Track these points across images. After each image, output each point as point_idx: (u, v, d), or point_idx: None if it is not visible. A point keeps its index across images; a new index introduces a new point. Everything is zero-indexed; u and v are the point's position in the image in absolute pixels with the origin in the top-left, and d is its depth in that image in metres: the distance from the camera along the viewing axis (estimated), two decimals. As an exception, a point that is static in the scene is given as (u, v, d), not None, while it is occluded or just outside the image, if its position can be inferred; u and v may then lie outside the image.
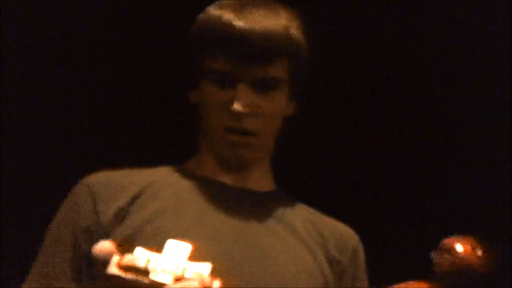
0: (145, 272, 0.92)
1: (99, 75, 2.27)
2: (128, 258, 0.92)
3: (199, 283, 0.90)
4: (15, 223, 2.18)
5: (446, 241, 1.00)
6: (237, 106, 1.26)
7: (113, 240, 1.01)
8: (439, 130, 2.42)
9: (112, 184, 1.31)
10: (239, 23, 1.25)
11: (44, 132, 2.24)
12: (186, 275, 0.92)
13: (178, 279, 0.92)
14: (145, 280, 0.91)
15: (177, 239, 1.01)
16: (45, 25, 2.22)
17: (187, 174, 1.36)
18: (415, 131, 2.42)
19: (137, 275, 0.92)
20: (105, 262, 0.91)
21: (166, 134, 2.26)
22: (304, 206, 1.39)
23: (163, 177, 1.34)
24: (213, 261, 1.01)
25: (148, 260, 0.92)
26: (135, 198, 1.29)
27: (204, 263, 0.94)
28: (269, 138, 1.34)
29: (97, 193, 1.29)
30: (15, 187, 2.20)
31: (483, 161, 2.35)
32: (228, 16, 1.26)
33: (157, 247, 1.03)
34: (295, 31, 1.29)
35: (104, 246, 0.92)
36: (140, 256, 0.93)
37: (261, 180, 1.37)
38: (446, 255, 0.99)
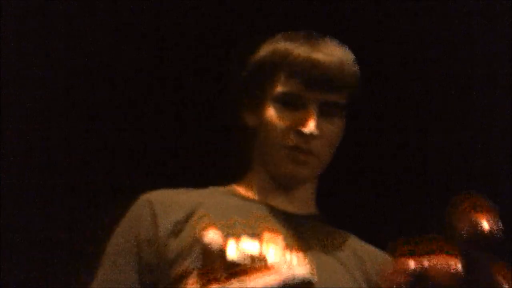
0: (262, 258, 0.97)
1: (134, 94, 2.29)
2: (246, 246, 0.97)
3: (304, 268, 0.96)
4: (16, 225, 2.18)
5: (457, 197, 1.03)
6: (309, 128, 1.38)
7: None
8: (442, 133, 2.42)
9: (169, 201, 1.41)
10: (318, 55, 1.40)
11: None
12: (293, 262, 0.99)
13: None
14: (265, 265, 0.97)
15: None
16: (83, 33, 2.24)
17: (236, 195, 1.47)
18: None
19: (254, 261, 0.96)
20: (220, 250, 0.95)
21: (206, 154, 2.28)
22: (343, 231, 1.49)
23: (214, 198, 1.45)
24: None
25: (260, 248, 0.97)
26: (189, 216, 1.39)
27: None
28: (326, 161, 1.45)
29: (156, 209, 1.40)
30: (18, 192, 2.21)
31: (483, 161, 2.36)
32: (305, 48, 1.41)
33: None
34: (356, 63, 1.46)
35: (216, 235, 0.96)
36: (251, 244, 0.97)
37: (305, 203, 1.48)
38: (455, 213, 1.01)
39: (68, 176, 2.22)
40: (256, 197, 1.46)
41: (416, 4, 2.35)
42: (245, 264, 0.95)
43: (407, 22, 2.36)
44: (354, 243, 1.47)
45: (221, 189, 1.50)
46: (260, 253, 0.96)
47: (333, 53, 1.42)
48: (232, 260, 0.95)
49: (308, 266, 0.98)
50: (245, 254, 0.96)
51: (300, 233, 1.41)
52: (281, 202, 1.45)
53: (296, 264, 0.97)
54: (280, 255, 0.97)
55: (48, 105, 2.26)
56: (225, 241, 0.96)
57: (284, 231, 1.39)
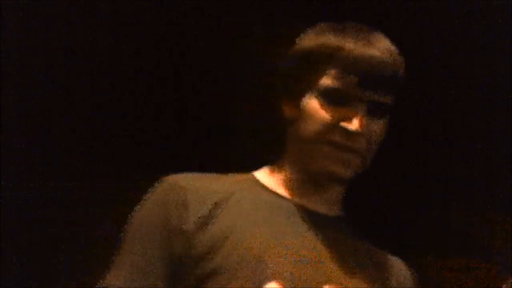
0: None
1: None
2: None
3: None
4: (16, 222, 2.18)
5: None
6: (355, 125, 1.30)
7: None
8: (441, 132, 2.42)
9: (199, 190, 1.32)
10: (373, 52, 1.32)
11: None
12: None
13: None
14: None
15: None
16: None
17: (264, 188, 1.38)
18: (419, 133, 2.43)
19: None
20: None
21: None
22: (364, 237, 1.41)
23: (242, 189, 1.36)
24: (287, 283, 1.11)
25: None
26: (217, 207, 1.30)
27: None
28: (366, 163, 1.37)
29: (189, 196, 1.31)
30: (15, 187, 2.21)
31: (483, 162, 2.36)
32: (359, 43, 1.32)
33: (237, 263, 1.18)
34: (404, 63, 1.38)
35: None
36: None
37: (334, 204, 1.39)
38: None
39: (68, 173, 2.22)
40: (285, 193, 1.37)
41: (416, 4, 2.36)
42: None
43: (407, 22, 2.36)
44: (374, 250, 1.40)
45: (248, 177, 1.40)
46: None
47: (386, 51, 1.34)
48: None
49: None
50: None
51: (332, 237, 1.34)
52: (311, 201, 1.36)
53: None
54: None
55: (48, 105, 2.26)
56: None
57: (311, 232, 1.32)
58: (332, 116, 1.32)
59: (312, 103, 1.34)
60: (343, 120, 1.31)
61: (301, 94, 1.36)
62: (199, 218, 1.28)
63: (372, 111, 1.33)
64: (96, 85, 2.30)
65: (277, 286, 0.97)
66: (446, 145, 2.42)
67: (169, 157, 2.25)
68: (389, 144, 2.46)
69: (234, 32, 2.14)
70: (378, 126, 1.35)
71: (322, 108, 1.33)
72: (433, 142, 2.43)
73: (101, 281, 1.30)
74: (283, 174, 1.39)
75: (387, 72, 1.32)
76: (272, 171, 1.41)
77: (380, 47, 1.33)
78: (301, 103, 1.35)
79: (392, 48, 1.35)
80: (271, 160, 1.42)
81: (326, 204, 1.38)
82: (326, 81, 1.33)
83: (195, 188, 1.32)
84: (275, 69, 1.42)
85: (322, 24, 1.39)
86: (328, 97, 1.33)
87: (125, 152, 2.25)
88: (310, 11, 2.35)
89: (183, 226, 1.27)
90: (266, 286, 0.96)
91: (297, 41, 1.40)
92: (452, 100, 2.40)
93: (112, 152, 2.24)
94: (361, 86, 1.31)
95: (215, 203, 1.31)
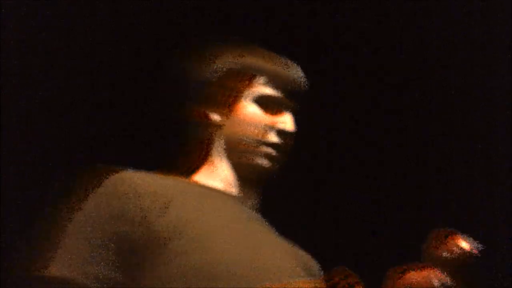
0: None
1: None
2: None
3: None
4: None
5: (434, 231, 1.09)
6: (291, 126, 1.54)
7: None
8: (438, 132, 2.42)
9: (151, 183, 1.43)
10: (295, 72, 1.59)
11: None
12: None
13: None
14: None
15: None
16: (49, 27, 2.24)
17: (204, 187, 1.53)
18: (413, 131, 2.43)
19: None
20: None
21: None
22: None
23: (187, 187, 1.50)
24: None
25: None
26: (171, 199, 1.42)
27: None
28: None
29: (140, 189, 1.41)
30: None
31: (483, 162, 2.36)
32: (286, 66, 1.59)
33: (199, 249, 1.31)
34: None
35: None
36: None
37: (259, 194, 1.56)
38: (434, 243, 1.07)
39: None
40: (223, 189, 1.53)
41: (416, 4, 2.36)
42: None
43: (407, 22, 2.37)
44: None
45: (185, 179, 1.54)
46: None
47: (297, 69, 1.61)
48: None
49: None
50: None
51: (266, 227, 1.49)
52: (242, 191, 1.53)
53: None
54: None
55: (48, 105, 2.26)
56: None
57: (259, 225, 1.48)
58: (267, 119, 1.53)
59: (248, 108, 1.54)
60: (280, 123, 1.54)
61: (230, 101, 1.56)
62: (156, 207, 1.38)
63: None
64: (96, 85, 2.30)
65: None
66: (446, 145, 2.42)
67: (169, 157, 2.25)
68: (389, 144, 2.47)
69: (234, 32, 2.14)
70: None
71: (259, 113, 1.54)
72: (433, 142, 2.44)
73: (42, 270, 1.33)
74: (214, 175, 1.55)
75: (302, 88, 1.58)
76: (202, 173, 1.56)
77: (293, 66, 1.60)
78: (233, 109, 1.55)
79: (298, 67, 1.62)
80: (194, 164, 1.57)
81: (255, 200, 1.55)
82: (260, 89, 1.55)
83: (146, 182, 1.42)
84: (199, 80, 1.59)
85: (244, 47, 1.62)
86: (262, 103, 1.55)
87: (125, 152, 2.25)
88: (311, 12, 2.35)
89: (140, 216, 1.37)
90: None
91: (220, 56, 1.59)
92: (452, 100, 2.40)
93: (112, 152, 2.25)
94: (288, 96, 1.56)
95: (168, 196, 1.41)
